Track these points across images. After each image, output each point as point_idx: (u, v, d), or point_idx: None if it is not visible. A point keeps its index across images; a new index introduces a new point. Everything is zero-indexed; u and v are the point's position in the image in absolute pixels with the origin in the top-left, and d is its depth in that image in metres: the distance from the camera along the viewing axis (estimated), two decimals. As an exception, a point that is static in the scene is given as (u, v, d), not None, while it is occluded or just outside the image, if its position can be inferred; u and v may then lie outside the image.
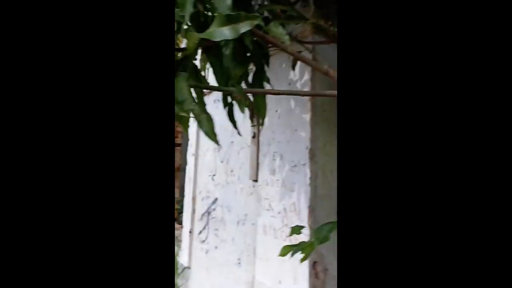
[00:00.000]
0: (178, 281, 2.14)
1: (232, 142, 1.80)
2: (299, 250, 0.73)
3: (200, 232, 2.00)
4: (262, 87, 0.89)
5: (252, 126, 1.57)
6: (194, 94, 0.70)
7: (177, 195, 3.10)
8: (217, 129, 1.98)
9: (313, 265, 1.11)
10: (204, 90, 0.81)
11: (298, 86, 1.27)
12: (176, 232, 2.45)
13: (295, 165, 1.23)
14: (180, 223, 2.89)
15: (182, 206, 3.04)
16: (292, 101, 1.31)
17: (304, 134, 1.22)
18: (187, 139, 3.44)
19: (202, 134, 2.23)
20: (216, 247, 1.80)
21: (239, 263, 1.57)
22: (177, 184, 3.13)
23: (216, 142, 0.64)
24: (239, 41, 0.67)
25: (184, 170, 3.57)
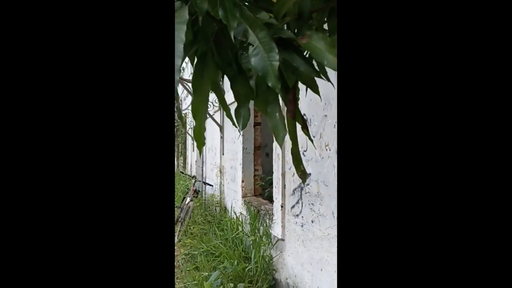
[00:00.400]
0: (272, 252, 2.26)
1: (325, 115, 1.74)
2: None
3: (293, 207, 2.04)
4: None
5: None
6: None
7: (259, 172, 3.21)
8: (307, 103, 1.89)
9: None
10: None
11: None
12: (267, 207, 2.55)
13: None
14: (266, 198, 3.01)
15: (266, 182, 3.16)
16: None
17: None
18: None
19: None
20: (312, 221, 1.81)
21: (342, 237, 1.54)
22: (258, 161, 3.25)
23: None
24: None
25: (264, 148, 3.67)
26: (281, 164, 2.19)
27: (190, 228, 3.36)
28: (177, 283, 2.45)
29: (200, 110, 0.65)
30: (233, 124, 0.80)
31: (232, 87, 0.68)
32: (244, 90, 0.62)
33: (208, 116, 4.10)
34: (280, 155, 2.20)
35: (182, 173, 5.36)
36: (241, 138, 3.18)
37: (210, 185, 4.26)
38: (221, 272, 1.92)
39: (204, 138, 0.70)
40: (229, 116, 0.76)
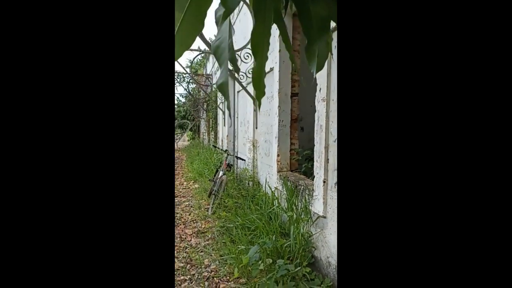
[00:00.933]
0: (312, 229, 2.14)
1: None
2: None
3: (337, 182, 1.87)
4: None
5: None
6: None
7: (296, 146, 3.04)
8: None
9: None
10: None
11: None
12: (306, 182, 2.40)
13: None
14: (303, 173, 2.86)
15: (302, 157, 2.99)
16: None
17: None
18: (307, 88, 3.26)
19: (334, 77, 1.97)
20: (362, 199, 1.63)
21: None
22: (295, 135, 3.06)
23: None
24: None
25: (301, 120, 3.46)
26: (324, 136, 2.00)
27: (224, 202, 3.35)
28: (213, 255, 2.45)
29: (261, 44, 0.48)
30: (295, 71, 0.63)
31: (302, 12, 0.50)
32: (325, 10, 0.43)
33: (240, 87, 3.93)
34: (324, 126, 2.00)
35: (215, 147, 5.35)
36: (277, 110, 3.00)
37: (242, 159, 4.19)
38: (260, 247, 1.85)
39: (264, 86, 0.54)
40: (293, 59, 0.59)
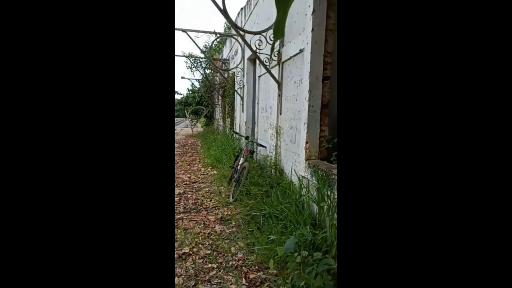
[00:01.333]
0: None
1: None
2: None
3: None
4: None
5: None
6: None
7: (325, 132, 2.88)
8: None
9: None
10: None
11: None
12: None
13: None
14: (335, 161, 2.71)
15: (332, 145, 2.83)
16: None
17: None
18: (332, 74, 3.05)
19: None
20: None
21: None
22: (325, 121, 2.90)
23: None
24: None
25: (332, 106, 3.28)
26: (367, 122, 1.83)
27: (248, 189, 3.25)
28: (241, 242, 2.38)
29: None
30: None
31: None
32: None
33: (265, 70, 3.76)
34: (367, 111, 1.83)
35: (237, 133, 5.23)
36: (307, 95, 2.83)
37: (263, 146, 4.07)
38: (298, 239, 1.74)
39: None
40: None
